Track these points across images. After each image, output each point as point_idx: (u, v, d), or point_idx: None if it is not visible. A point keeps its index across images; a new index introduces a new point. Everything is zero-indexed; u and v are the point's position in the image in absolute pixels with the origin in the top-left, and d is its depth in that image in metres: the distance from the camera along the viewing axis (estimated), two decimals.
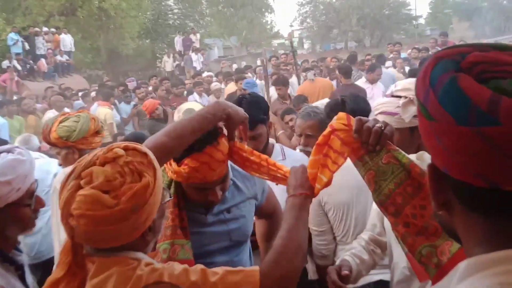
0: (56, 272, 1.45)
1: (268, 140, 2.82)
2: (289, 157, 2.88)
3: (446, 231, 0.92)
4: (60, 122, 2.95)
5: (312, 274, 3.01)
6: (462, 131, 0.76)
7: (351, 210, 2.74)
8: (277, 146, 2.93)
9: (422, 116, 0.83)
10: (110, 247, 1.42)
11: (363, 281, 2.61)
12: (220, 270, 1.48)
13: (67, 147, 2.93)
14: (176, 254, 1.88)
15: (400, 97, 2.20)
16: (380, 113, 2.26)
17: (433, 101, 0.79)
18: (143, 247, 1.50)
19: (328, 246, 2.77)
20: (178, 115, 5.01)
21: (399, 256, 2.31)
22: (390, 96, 2.27)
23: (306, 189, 1.70)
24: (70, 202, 1.38)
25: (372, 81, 8.40)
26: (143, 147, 1.51)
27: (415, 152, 2.24)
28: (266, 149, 2.81)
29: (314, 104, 4.11)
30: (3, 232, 1.82)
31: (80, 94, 12.62)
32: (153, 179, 1.43)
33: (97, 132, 3.02)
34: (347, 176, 2.24)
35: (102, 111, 9.30)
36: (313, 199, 2.30)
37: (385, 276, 2.56)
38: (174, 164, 1.87)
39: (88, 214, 1.35)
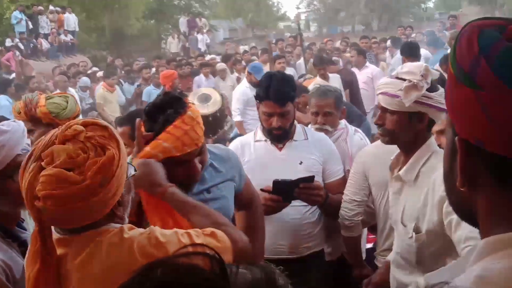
0: (31, 266, 1.41)
1: (294, 118, 2.84)
2: (312, 137, 2.91)
3: (458, 210, 0.90)
4: (47, 99, 2.87)
5: (327, 256, 3.04)
6: None
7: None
8: (299, 127, 2.93)
9: (461, 86, 0.79)
10: (81, 226, 1.40)
11: None
12: (200, 236, 1.53)
13: (49, 124, 2.76)
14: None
15: (404, 79, 2.15)
16: (382, 93, 2.23)
17: (485, 70, 0.75)
18: (115, 222, 1.48)
19: (352, 218, 2.76)
20: (192, 99, 4.97)
21: (396, 243, 2.36)
22: (394, 77, 2.22)
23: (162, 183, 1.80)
24: (34, 185, 1.34)
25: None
26: (102, 121, 1.47)
27: (412, 139, 2.23)
28: (291, 128, 2.83)
29: None
30: None
31: (89, 72, 12.58)
32: (117, 151, 1.40)
33: (77, 116, 2.94)
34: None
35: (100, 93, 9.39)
36: (358, 169, 2.70)
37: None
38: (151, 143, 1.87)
39: (54, 193, 1.31)
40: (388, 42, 11.52)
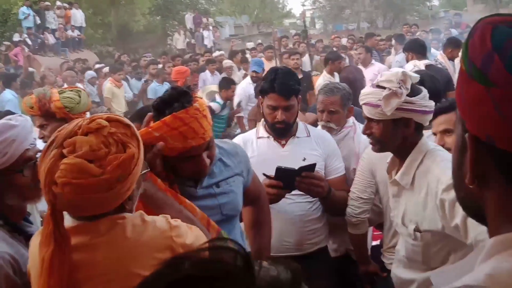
0: (44, 248, 1.43)
1: (297, 114, 2.83)
2: (313, 133, 2.91)
3: (466, 208, 0.89)
4: (60, 93, 2.87)
5: (333, 252, 3.05)
6: None
7: None
8: (301, 123, 2.93)
9: (473, 81, 0.78)
10: (91, 215, 1.45)
11: None
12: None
13: (62, 119, 2.75)
14: None
15: (384, 88, 2.16)
16: (364, 104, 2.24)
17: (498, 66, 0.75)
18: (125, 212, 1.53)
19: (359, 216, 2.75)
20: (201, 96, 5.04)
21: (400, 244, 2.38)
22: (375, 86, 2.22)
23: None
24: (53, 170, 1.38)
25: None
26: (125, 119, 1.52)
27: (402, 144, 2.23)
28: (294, 124, 2.82)
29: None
30: (3, 200, 1.81)
31: (96, 66, 12.63)
32: (137, 150, 1.45)
33: (88, 110, 3.00)
34: None
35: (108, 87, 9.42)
36: (365, 167, 2.75)
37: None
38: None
39: (73, 182, 1.35)
40: (393, 41, 11.48)
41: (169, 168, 1.98)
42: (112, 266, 1.43)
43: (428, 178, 2.12)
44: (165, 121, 1.85)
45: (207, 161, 1.98)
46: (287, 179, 2.60)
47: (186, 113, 1.86)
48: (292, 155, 2.76)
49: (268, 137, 2.84)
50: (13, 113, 5.03)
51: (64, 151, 1.40)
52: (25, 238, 1.84)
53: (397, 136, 2.21)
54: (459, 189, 0.87)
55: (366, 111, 2.24)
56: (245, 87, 7.60)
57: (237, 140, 2.90)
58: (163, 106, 1.90)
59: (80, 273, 1.44)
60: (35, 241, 1.53)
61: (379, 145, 2.28)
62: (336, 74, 7.10)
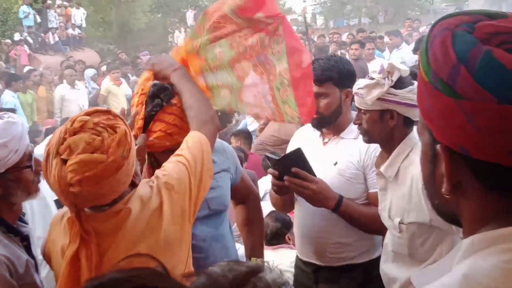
0: (71, 246, 1.52)
1: (340, 109, 2.52)
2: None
3: (442, 214, 0.88)
4: None
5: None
6: (503, 109, 0.71)
7: None
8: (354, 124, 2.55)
9: (439, 93, 0.76)
10: (113, 199, 1.56)
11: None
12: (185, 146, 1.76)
13: None
14: None
15: (373, 79, 2.17)
16: (355, 93, 2.27)
17: (467, 79, 0.73)
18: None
19: None
20: None
21: (388, 238, 2.35)
22: (369, 78, 2.23)
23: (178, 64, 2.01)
24: (63, 176, 1.46)
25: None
26: (101, 107, 1.63)
27: (388, 136, 2.22)
28: (337, 120, 2.53)
29: None
30: (9, 198, 1.81)
31: (96, 66, 12.65)
32: (126, 127, 1.57)
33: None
34: None
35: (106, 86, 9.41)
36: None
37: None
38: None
39: (86, 175, 1.45)
40: (386, 38, 11.19)
41: (154, 162, 2.03)
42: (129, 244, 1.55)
43: (411, 170, 2.12)
44: (150, 129, 1.93)
45: None
46: (282, 170, 2.37)
47: (164, 112, 1.93)
48: (327, 157, 2.53)
49: (317, 131, 2.63)
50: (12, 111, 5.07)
51: (63, 156, 1.47)
52: (21, 239, 1.84)
53: (382, 127, 2.21)
54: (433, 197, 0.86)
55: (356, 101, 2.27)
56: None
57: (301, 129, 2.80)
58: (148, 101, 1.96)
59: (105, 258, 1.54)
60: (55, 226, 1.68)
61: (367, 136, 2.29)
62: None
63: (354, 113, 2.57)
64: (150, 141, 1.93)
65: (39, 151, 4.52)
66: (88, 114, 1.55)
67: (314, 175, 2.39)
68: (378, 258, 2.51)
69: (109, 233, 1.57)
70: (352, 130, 2.54)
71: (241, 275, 0.65)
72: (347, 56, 9.33)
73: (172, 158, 1.74)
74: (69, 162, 1.46)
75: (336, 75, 2.48)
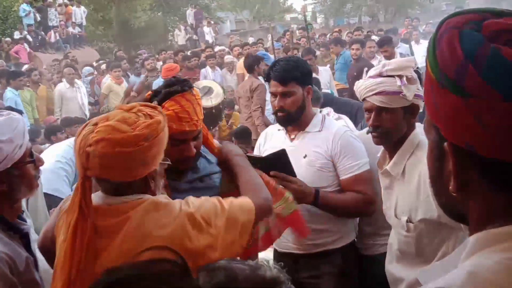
0: (70, 214, 1.58)
1: (303, 106, 2.66)
2: (328, 129, 2.69)
3: (449, 212, 0.89)
4: None
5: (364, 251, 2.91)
6: (510, 107, 0.71)
7: None
8: (318, 117, 2.73)
9: (447, 91, 0.77)
10: (120, 181, 1.60)
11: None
12: (227, 200, 1.76)
13: None
14: None
15: (392, 76, 2.16)
16: (378, 93, 2.20)
17: (474, 76, 0.73)
18: (148, 193, 1.67)
19: None
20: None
21: (393, 238, 2.36)
22: (377, 76, 2.21)
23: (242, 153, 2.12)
24: (88, 137, 1.56)
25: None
26: (152, 103, 1.76)
27: (403, 134, 2.23)
28: (301, 116, 2.67)
29: None
30: (13, 195, 1.82)
31: (95, 64, 12.64)
32: (163, 119, 1.65)
33: None
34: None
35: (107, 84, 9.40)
36: None
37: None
38: None
39: (107, 137, 1.54)
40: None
41: None
42: (125, 246, 1.56)
43: (419, 168, 2.13)
44: (164, 105, 1.94)
45: (193, 150, 2.05)
46: (264, 170, 2.37)
47: (183, 96, 1.98)
48: (296, 151, 2.64)
49: (282, 129, 2.78)
50: (15, 110, 5.05)
51: (99, 123, 1.60)
52: (20, 236, 1.85)
53: (403, 125, 2.23)
54: (440, 195, 0.87)
55: (381, 101, 2.21)
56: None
57: (266, 130, 3.00)
58: (162, 87, 2.03)
59: (100, 243, 1.58)
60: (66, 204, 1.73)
61: (385, 137, 2.26)
62: (321, 69, 7.20)
63: (314, 109, 2.77)
64: None
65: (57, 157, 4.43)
66: (138, 104, 1.69)
67: (295, 175, 2.51)
68: (354, 242, 2.77)
69: (107, 234, 1.59)
70: (315, 124, 2.70)
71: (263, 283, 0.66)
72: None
73: (210, 199, 1.75)
74: (99, 125, 1.58)
75: (299, 74, 2.64)
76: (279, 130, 2.81)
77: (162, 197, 1.69)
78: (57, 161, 4.35)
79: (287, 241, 2.70)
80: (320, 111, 2.85)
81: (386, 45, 7.83)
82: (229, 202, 1.75)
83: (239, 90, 7.41)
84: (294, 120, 2.68)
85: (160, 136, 1.61)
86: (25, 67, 12.31)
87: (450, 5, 26.65)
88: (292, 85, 2.62)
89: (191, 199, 1.71)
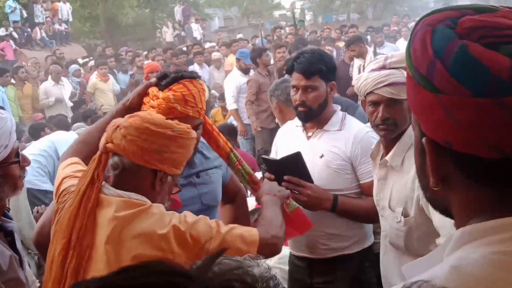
0: (81, 181, 1.67)
1: (326, 102, 2.56)
2: (348, 129, 2.58)
3: (435, 206, 0.90)
4: None
5: None
6: (478, 103, 0.72)
7: None
8: (338, 115, 2.61)
9: (421, 88, 0.78)
10: (133, 164, 1.66)
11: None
12: (229, 225, 1.77)
13: None
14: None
15: (397, 68, 2.15)
16: (389, 84, 2.17)
17: (442, 73, 0.74)
18: (151, 196, 1.71)
19: None
20: None
21: (385, 229, 2.35)
22: (381, 69, 2.19)
23: (279, 197, 2.14)
24: (119, 121, 1.68)
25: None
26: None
27: (408, 125, 2.21)
28: (323, 112, 2.56)
29: None
30: None
31: (80, 61, 12.53)
32: (195, 135, 1.76)
33: None
34: None
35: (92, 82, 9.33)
36: None
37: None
38: (160, 93, 2.00)
39: (141, 115, 1.68)
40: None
41: None
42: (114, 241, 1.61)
43: None
44: (171, 87, 2.00)
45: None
46: (276, 171, 2.42)
47: (191, 82, 2.02)
48: (312, 150, 2.54)
49: (301, 126, 2.65)
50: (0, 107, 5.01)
51: None
52: (5, 234, 1.83)
53: (409, 116, 2.20)
54: (425, 190, 0.88)
55: (392, 92, 2.17)
56: (235, 79, 7.52)
57: (285, 126, 2.87)
58: (169, 73, 2.07)
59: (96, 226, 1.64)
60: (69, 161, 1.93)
61: (393, 129, 2.22)
62: None
63: (335, 106, 2.65)
64: (166, 96, 1.99)
65: (31, 150, 4.46)
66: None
67: (311, 179, 2.43)
68: (370, 248, 2.63)
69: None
70: (335, 122, 2.58)
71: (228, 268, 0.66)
72: (334, 53, 9.35)
73: (207, 221, 1.75)
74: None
75: (324, 68, 2.52)
76: (297, 126, 2.70)
77: (155, 208, 1.68)
78: (31, 154, 4.34)
79: (301, 245, 2.64)
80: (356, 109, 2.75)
81: (352, 45, 7.92)
82: (229, 228, 1.74)
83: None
84: (315, 116, 2.56)
85: (185, 140, 1.70)
86: (16, 64, 12.18)
87: (438, 2, 26.73)
88: (316, 79, 2.51)
89: (188, 215, 1.71)
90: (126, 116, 1.70)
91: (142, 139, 1.63)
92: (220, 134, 2.30)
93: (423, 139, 0.81)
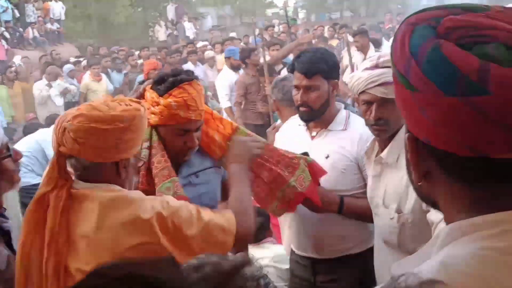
0: (43, 188, 1.63)
1: (328, 102, 2.52)
2: (353, 128, 2.55)
3: (424, 200, 0.91)
4: None
5: None
6: (449, 101, 0.73)
7: None
8: (342, 115, 2.57)
9: (402, 86, 0.80)
10: (91, 162, 1.63)
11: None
12: (207, 213, 1.74)
13: None
14: (180, 190, 2.02)
15: (389, 67, 2.10)
16: (380, 84, 2.15)
17: (416, 71, 0.76)
18: (120, 183, 1.69)
19: None
20: None
21: (377, 226, 2.35)
22: (374, 68, 2.17)
23: (245, 159, 2.08)
24: (68, 115, 1.62)
25: None
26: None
27: (401, 123, 2.17)
28: (325, 111, 2.53)
29: None
30: None
31: (72, 60, 12.48)
32: (143, 110, 1.69)
33: None
34: None
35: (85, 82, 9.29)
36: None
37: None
38: (160, 99, 1.99)
39: (84, 113, 1.59)
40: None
41: (159, 136, 2.11)
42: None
43: None
44: (171, 92, 1.98)
45: (196, 142, 2.08)
46: None
47: (190, 85, 2.01)
48: (317, 150, 2.51)
49: (304, 125, 2.62)
50: None
51: (82, 105, 1.67)
52: (2, 234, 1.84)
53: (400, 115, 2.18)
54: (414, 185, 0.89)
55: (383, 92, 2.14)
56: (226, 76, 7.53)
57: (288, 122, 2.84)
58: (166, 76, 2.03)
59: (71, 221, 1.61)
60: None
61: (386, 128, 2.20)
62: None
63: (338, 104, 2.61)
64: (168, 103, 1.98)
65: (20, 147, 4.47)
66: (125, 97, 1.76)
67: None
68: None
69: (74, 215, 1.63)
70: (339, 121, 2.55)
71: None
72: None
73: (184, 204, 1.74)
74: (81, 106, 1.65)
75: (325, 67, 2.48)
76: (299, 125, 2.65)
77: (134, 193, 1.68)
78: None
79: (307, 246, 2.63)
80: (345, 107, 2.70)
81: (358, 35, 8.12)
82: (209, 216, 1.72)
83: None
84: (317, 116, 2.53)
85: (136, 123, 1.64)
86: (7, 64, 12.11)
87: (431, 0, 26.76)
88: (317, 78, 2.47)
89: (170, 200, 1.69)
90: (70, 116, 1.61)
91: (94, 139, 1.59)
92: (223, 119, 2.29)
93: (406, 135, 0.84)
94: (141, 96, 2.09)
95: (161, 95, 2.00)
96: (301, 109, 2.52)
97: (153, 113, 2.01)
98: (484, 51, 0.72)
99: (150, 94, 2.04)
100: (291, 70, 2.58)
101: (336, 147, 2.50)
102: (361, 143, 2.47)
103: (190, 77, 2.05)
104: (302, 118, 2.58)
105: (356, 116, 2.64)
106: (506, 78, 0.70)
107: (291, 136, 2.68)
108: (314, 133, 2.59)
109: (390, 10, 18.50)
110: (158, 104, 2.00)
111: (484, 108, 0.71)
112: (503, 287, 0.71)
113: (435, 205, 0.87)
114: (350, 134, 2.50)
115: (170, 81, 2.00)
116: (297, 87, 2.52)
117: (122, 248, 1.55)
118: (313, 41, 10.45)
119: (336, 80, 2.55)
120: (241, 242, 1.81)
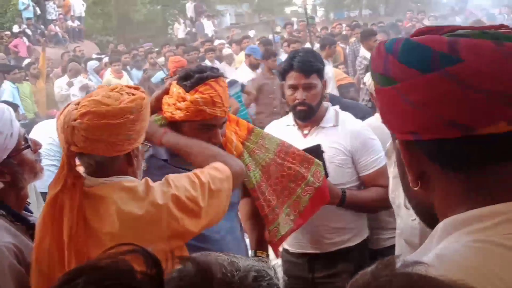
0: (53, 190, 1.59)
1: (321, 99, 2.63)
2: (343, 124, 2.64)
3: (421, 215, 0.94)
4: None
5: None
6: (428, 79, 0.78)
7: None
8: (331, 111, 2.67)
9: (382, 88, 0.85)
10: (103, 158, 1.61)
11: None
12: (203, 173, 1.77)
13: None
14: None
15: None
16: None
17: (394, 63, 0.82)
18: (131, 173, 1.70)
19: None
20: None
21: (400, 227, 2.36)
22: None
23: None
24: (72, 113, 1.56)
25: None
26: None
27: None
28: (318, 107, 2.61)
29: None
30: (18, 184, 1.81)
31: (94, 57, 12.60)
32: (146, 96, 1.67)
33: None
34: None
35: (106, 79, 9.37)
36: None
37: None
38: (186, 95, 1.99)
39: (92, 110, 1.54)
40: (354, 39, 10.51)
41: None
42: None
43: None
44: (198, 89, 1.99)
45: (221, 138, 2.09)
46: None
47: (216, 82, 2.02)
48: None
49: (293, 125, 2.69)
50: (11, 104, 5.02)
51: (82, 100, 1.60)
52: (27, 227, 1.85)
53: None
54: (410, 198, 0.93)
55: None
56: (244, 74, 7.60)
57: (270, 125, 2.88)
58: (193, 73, 2.03)
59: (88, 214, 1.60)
60: None
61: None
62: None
63: (324, 103, 2.71)
64: (194, 99, 1.98)
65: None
66: (121, 85, 1.71)
67: (327, 172, 2.45)
68: (367, 239, 2.74)
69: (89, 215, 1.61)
70: (329, 118, 2.64)
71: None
72: (347, 50, 9.31)
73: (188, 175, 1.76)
74: (82, 102, 1.58)
75: (320, 66, 2.60)
76: (288, 125, 2.72)
77: (144, 182, 1.68)
78: (44, 159, 4.38)
79: (302, 242, 2.66)
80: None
81: (365, 40, 8.08)
82: (207, 175, 1.76)
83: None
84: (314, 114, 2.61)
85: (143, 111, 1.63)
86: (26, 61, 12.28)
87: None
88: (314, 77, 2.57)
89: (171, 177, 1.71)
90: (75, 114, 1.56)
91: (107, 135, 1.57)
92: (239, 121, 2.31)
93: (396, 141, 0.88)
94: (167, 91, 2.10)
95: (187, 91, 2.01)
96: (299, 108, 2.57)
97: (178, 108, 2.02)
98: (452, 34, 0.82)
99: (177, 90, 2.05)
100: (287, 70, 2.60)
101: (330, 143, 2.57)
102: (353, 137, 2.58)
103: (217, 74, 2.06)
104: (299, 117, 2.64)
105: (345, 113, 2.74)
106: (475, 45, 0.77)
107: (282, 135, 2.63)
108: (306, 131, 2.65)
109: (410, 8, 18.33)
110: (184, 100, 2.01)
111: (459, 76, 0.76)
112: (496, 277, 0.73)
113: (428, 216, 0.89)
114: (341, 129, 2.60)
115: (197, 77, 2.01)
116: (294, 86, 2.57)
117: (148, 237, 1.56)
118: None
119: (325, 79, 2.67)
120: (237, 179, 1.92)
